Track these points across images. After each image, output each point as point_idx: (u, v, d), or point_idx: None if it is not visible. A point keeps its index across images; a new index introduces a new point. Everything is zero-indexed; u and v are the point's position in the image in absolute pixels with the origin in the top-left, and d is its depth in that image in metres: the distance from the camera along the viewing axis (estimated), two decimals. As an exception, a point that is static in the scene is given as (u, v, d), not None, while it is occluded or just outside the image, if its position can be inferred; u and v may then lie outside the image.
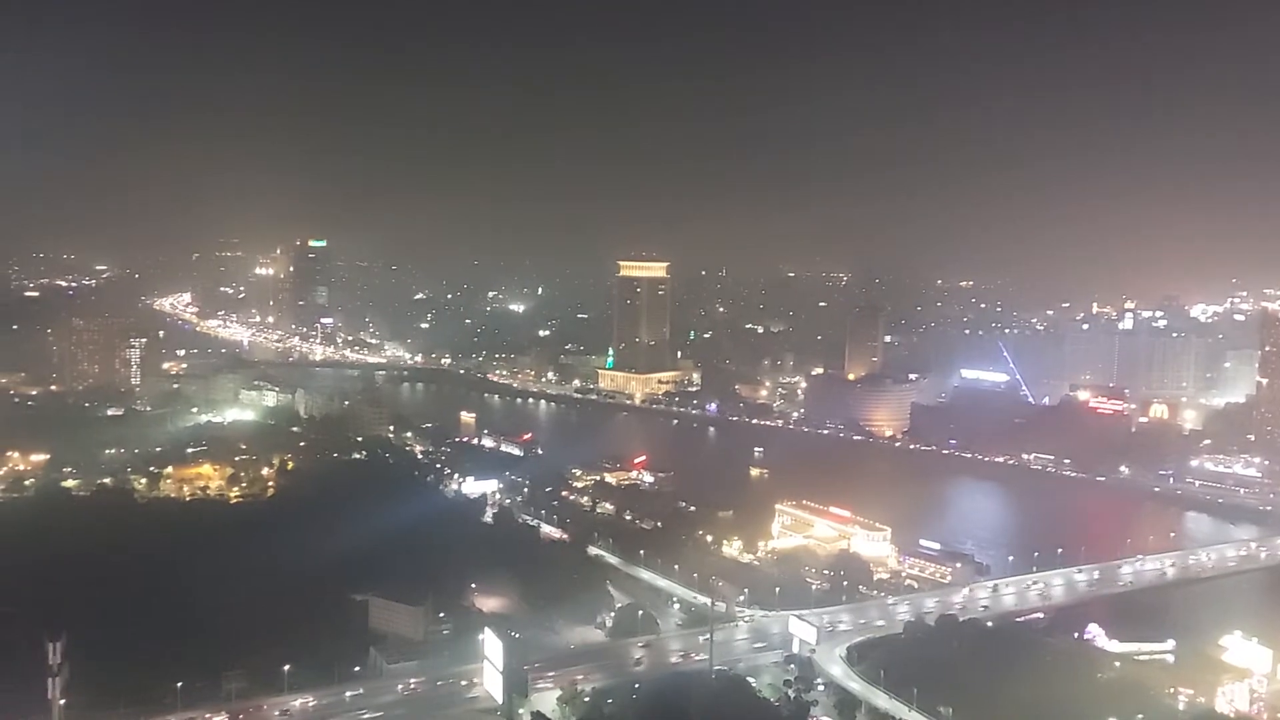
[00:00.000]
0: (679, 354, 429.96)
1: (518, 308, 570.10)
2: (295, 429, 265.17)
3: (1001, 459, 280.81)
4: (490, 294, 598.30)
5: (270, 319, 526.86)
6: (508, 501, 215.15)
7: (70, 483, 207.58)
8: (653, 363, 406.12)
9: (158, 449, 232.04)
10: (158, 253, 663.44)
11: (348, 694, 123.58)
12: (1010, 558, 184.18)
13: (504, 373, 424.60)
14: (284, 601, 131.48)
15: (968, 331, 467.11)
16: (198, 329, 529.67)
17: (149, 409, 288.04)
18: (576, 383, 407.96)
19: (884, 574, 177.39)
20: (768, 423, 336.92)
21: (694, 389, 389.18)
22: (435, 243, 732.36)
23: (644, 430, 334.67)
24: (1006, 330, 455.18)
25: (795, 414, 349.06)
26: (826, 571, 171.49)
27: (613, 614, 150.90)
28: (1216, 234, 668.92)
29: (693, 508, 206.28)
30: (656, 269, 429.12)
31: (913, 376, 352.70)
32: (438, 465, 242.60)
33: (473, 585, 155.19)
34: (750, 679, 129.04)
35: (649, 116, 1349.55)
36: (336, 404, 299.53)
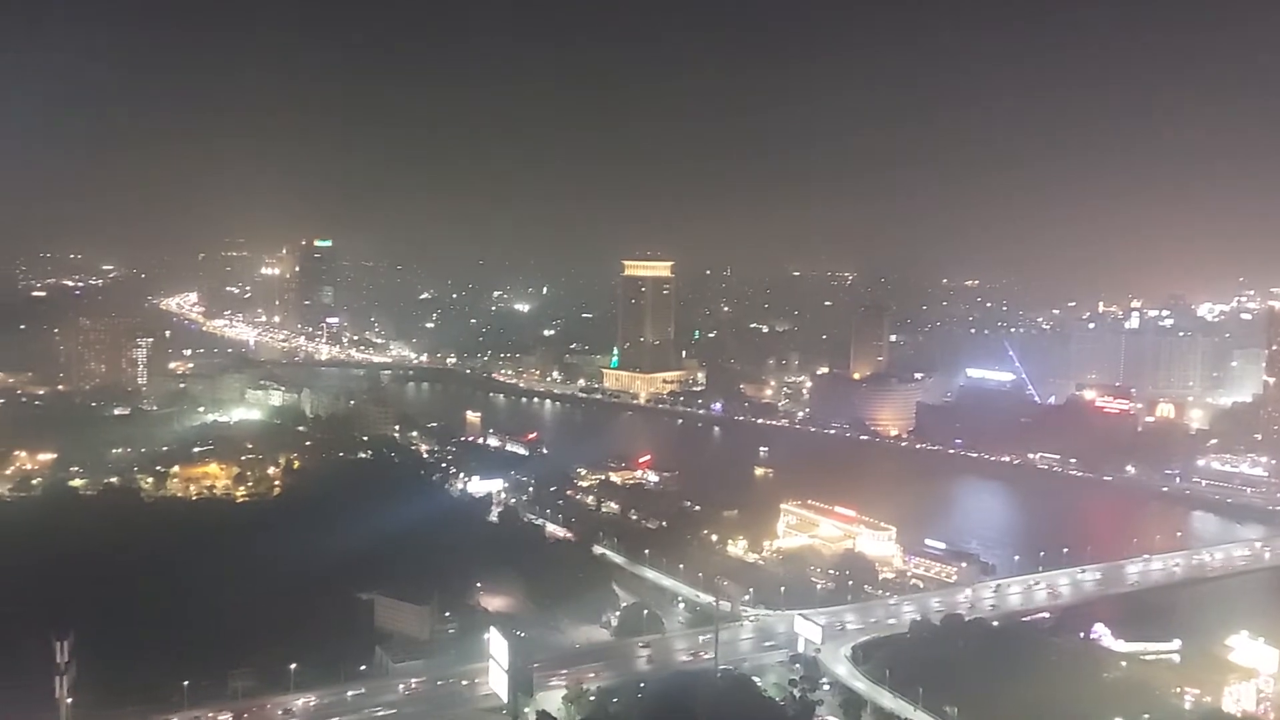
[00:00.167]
0: (684, 353, 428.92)
1: (523, 307, 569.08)
2: (301, 428, 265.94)
3: (1007, 458, 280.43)
4: (495, 293, 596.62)
5: (276, 319, 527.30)
6: (513, 501, 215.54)
7: (77, 482, 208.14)
8: (657, 362, 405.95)
9: (164, 448, 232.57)
10: (164, 253, 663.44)
11: (353, 693, 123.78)
12: (1016, 557, 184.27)
13: (509, 372, 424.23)
14: (290, 600, 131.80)
15: (973, 331, 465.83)
16: (204, 329, 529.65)
17: (155, 408, 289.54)
18: (581, 382, 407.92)
19: (889, 574, 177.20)
20: (773, 422, 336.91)
21: (699, 388, 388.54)
22: (440, 242, 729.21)
23: (649, 430, 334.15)
24: (1012, 329, 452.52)
25: (800, 413, 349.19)
26: (832, 571, 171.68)
27: (618, 613, 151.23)
28: (1222, 232, 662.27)
29: (698, 507, 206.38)
30: (661, 268, 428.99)
31: (918, 376, 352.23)
32: (443, 465, 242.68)
33: (478, 584, 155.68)
34: (755, 678, 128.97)
35: (652, 116, 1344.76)
36: (342, 403, 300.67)
